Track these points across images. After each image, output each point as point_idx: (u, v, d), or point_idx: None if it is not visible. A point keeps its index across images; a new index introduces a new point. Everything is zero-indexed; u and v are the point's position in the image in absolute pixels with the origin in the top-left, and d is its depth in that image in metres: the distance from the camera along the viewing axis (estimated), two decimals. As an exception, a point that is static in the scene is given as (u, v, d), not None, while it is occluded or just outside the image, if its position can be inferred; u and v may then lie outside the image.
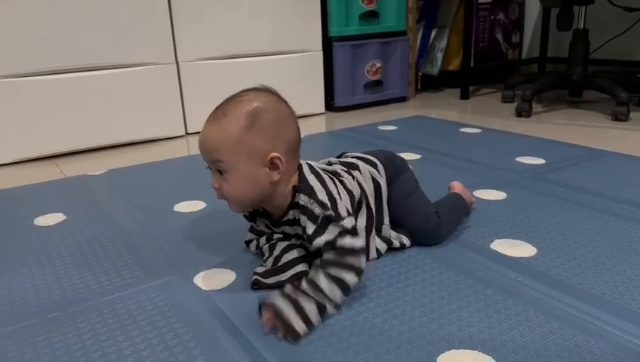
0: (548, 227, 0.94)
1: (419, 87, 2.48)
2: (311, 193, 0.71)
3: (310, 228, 0.69)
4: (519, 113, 1.93)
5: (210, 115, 0.73)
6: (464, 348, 0.61)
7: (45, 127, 1.58)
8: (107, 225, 1.03)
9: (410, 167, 0.95)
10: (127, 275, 0.83)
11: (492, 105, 2.16)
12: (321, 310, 0.67)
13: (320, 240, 0.69)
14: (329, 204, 0.70)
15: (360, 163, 0.86)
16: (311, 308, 0.66)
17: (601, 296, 0.71)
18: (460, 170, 1.29)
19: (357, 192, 0.80)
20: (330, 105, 2.16)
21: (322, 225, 0.69)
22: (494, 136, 1.64)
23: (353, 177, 0.81)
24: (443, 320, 0.67)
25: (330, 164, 0.86)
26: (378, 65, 2.19)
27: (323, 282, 0.67)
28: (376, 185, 0.85)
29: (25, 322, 0.71)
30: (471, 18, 2.23)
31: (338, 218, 0.69)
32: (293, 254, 0.78)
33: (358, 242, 0.70)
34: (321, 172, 0.76)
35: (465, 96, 2.32)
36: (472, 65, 2.34)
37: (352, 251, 0.69)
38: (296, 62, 2.01)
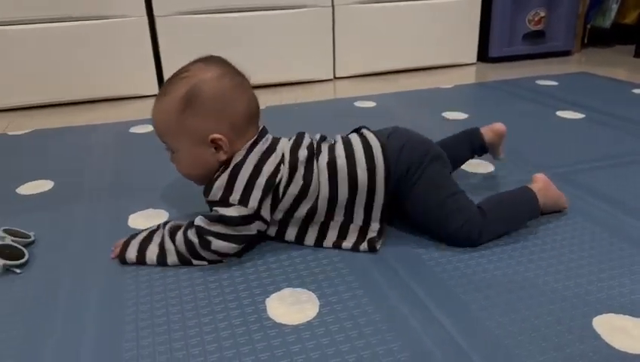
0: None
1: (585, 40, 2.26)
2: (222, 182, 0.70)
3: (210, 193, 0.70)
4: None
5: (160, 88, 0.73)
6: (624, 314, 0.59)
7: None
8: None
9: (442, 155, 0.77)
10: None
11: (673, 66, 1.91)
12: (162, 256, 0.70)
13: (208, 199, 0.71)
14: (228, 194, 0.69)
15: (341, 151, 0.73)
16: (152, 249, 0.71)
17: None
18: (629, 134, 1.18)
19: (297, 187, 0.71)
20: (484, 56, 2.06)
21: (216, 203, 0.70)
22: (674, 99, 1.46)
23: (311, 172, 0.71)
24: (602, 283, 0.64)
25: (322, 139, 0.77)
26: (542, 14, 2.03)
27: (179, 236, 0.70)
28: (353, 180, 0.72)
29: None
30: (661, -37, 1.95)
31: (226, 203, 0.68)
32: None
33: (229, 213, 0.68)
34: (256, 156, 0.70)
35: (640, 53, 2.07)
36: (654, 18, 2.06)
37: (221, 219, 0.68)
38: (452, 7, 1.93)
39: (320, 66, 1.86)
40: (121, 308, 0.63)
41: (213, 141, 0.70)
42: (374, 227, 0.74)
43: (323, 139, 0.78)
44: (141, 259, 0.71)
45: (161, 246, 0.71)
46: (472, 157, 0.91)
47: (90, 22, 1.57)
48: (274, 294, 0.65)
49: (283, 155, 0.72)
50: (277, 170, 0.70)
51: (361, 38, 1.85)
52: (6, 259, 0.70)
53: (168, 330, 0.59)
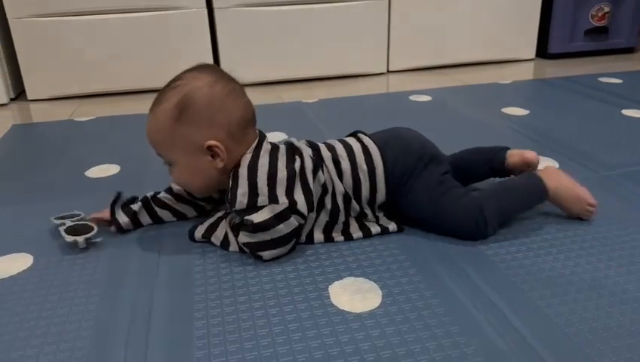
0: None
1: (651, 37, 2.16)
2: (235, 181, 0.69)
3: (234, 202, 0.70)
4: None
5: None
6: (703, 319, 0.57)
7: (267, 57, 1.74)
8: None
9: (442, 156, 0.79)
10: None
11: None
12: (226, 244, 0.73)
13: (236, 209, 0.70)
14: (248, 199, 0.68)
15: (344, 153, 0.75)
16: (218, 234, 0.74)
17: None
18: (702, 135, 1.12)
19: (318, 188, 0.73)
20: (542, 52, 2.00)
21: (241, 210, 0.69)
22: None
23: (322, 169, 0.73)
24: (677, 286, 0.62)
25: (313, 146, 0.77)
26: (606, 9, 1.95)
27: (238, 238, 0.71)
28: (356, 181, 0.74)
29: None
30: None
31: (253, 209, 0.68)
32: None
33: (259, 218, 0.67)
34: (266, 155, 0.70)
35: None
36: None
37: (255, 227, 0.67)
38: (511, 1, 1.89)
39: (374, 60, 1.85)
40: (189, 287, 0.65)
41: (209, 148, 0.69)
42: (383, 219, 0.77)
43: (314, 146, 0.77)
44: (206, 240, 0.75)
45: (226, 235, 0.73)
46: (492, 176, 0.86)
47: (152, 13, 1.62)
48: (336, 282, 0.65)
49: (298, 152, 0.73)
50: (291, 161, 0.71)
51: (416, 31, 1.83)
52: (84, 235, 0.74)
53: (236, 311, 0.60)
